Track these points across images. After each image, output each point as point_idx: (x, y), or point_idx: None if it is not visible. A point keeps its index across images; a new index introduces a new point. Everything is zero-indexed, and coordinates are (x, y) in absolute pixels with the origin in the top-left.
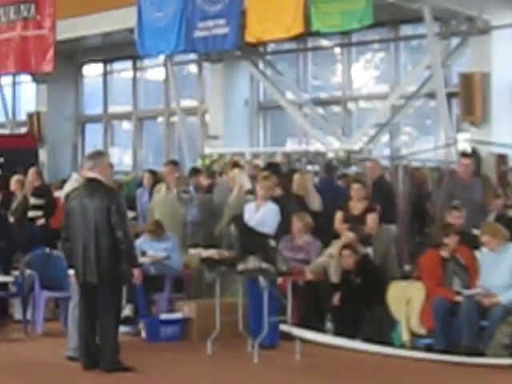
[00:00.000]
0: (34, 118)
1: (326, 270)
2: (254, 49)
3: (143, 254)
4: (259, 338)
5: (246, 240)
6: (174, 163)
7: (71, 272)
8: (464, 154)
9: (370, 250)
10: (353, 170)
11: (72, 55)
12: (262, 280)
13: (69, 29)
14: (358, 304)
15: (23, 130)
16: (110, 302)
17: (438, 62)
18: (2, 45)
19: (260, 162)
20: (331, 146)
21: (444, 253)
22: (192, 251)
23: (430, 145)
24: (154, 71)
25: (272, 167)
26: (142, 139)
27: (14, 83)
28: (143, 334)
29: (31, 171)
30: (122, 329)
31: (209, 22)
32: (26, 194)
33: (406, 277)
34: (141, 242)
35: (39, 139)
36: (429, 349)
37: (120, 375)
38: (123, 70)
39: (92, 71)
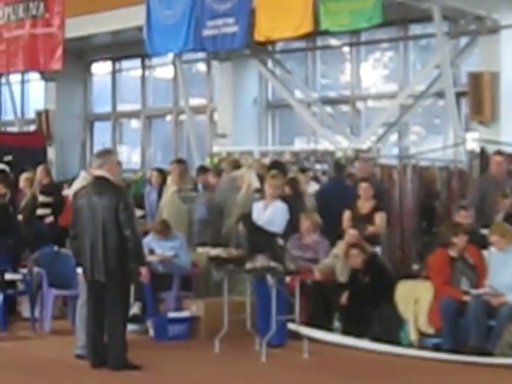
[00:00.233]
0: (43, 115)
1: (333, 271)
2: (262, 47)
3: (151, 252)
4: (267, 336)
5: (255, 239)
6: (178, 161)
7: (79, 270)
8: (497, 152)
9: (378, 250)
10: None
11: (81, 53)
12: (270, 279)
13: (78, 27)
14: (365, 303)
15: (32, 127)
16: (117, 300)
17: (447, 62)
18: (10, 43)
19: (265, 161)
20: (340, 145)
21: (452, 252)
22: (200, 250)
23: (439, 144)
24: (163, 69)
25: (277, 166)
26: (151, 137)
27: (23, 81)
28: (151, 332)
29: (40, 169)
30: (130, 327)
31: (218, 21)
32: (35, 192)
33: (414, 276)
34: (149, 241)
35: (48, 137)
36: (437, 348)
37: (128, 373)
38: (132, 69)
39: (101, 69)
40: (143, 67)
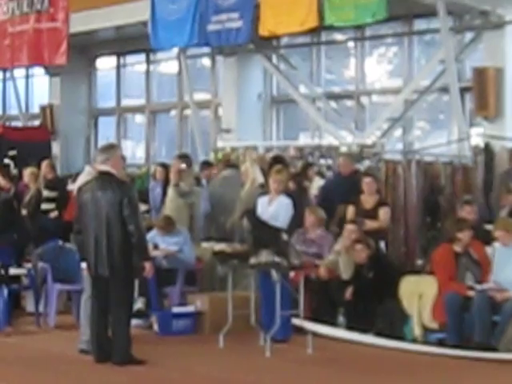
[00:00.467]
0: (47, 110)
1: (337, 267)
2: (267, 42)
3: (155, 247)
4: (271, 331)
5: (259, 234)
6: (179, 157)
7: (84, 265)
8: None
9: (382, 245)
10: (366, 164)
11: (85, 48)
12: (274, 274)
13: (82, 22)
14: (370, 298)
15: (36, 122)
16: (122, 295)
17: (452, 57)
18: (15, 37)
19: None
20: (344, 140)
21: (457, 247)
22: (204, 245)
23: (443, 139)
24: (168, 64)
25: (278, 161)
26: (155, 132)
27: (27, 76)
28: (155, 327)
29: (45, 164)
30: (134, 322)
31: (222, 16)
32: (40, 187)
33: (418, 271)
34: (153, 236)
35: (52, 132)
36: (441, 343)
37: (132, 368)
38: (136, 63)
39: (105, 64)
40: (148, 62)
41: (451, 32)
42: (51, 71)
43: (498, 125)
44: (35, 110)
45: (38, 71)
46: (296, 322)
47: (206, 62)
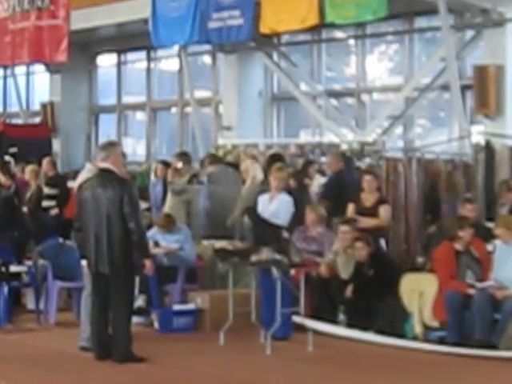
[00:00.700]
0: (48, 107)
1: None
2: (268, 40)
3: (156, 244)
4: (272, 329)
5: (260, 231)
6: (177, 155)
7: (84, 262)
8: None
9: (382, 242)
10: (366, 161)
11: (86, 45)
12: (274, 271)
13: (83, 19)
14: (370, 296)
15: (37, 119)
16: (122, 292)
17: (453, 54)
18: (16, 34)
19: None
20: (345, 137)
21: (458, 246)
22: (205, 242)
23: (444, 137)
24: (168, 62)
25: (276, 159)
26: (156, 130)
27: (28, 73)
28: (156, 324)
29: (45, 161)
30: (135, 319)
31: (223, 13)
32: (40, 184)
33: (418, 269)
34: (153, 233)
35: (53, 129)
36: (441, 341)
37: (132, 366)
38: (137, 61)
39: (106, 61)
40: (148, 59)
41: (452, 30)
42: (52, 68)
43: (499, 122)
44: (36, 107)
45: (39, 68)
46: (296, 319)
47: (207, 59)
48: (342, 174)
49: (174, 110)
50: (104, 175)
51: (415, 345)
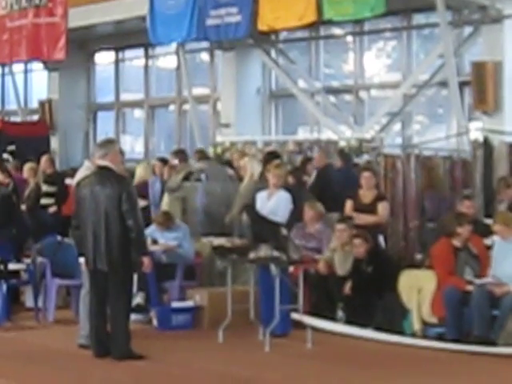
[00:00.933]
0: (46, 105)
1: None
2: (266, 37)
3: (154, 242)
4: (270, 326)
5: (258, 228)
6: (174, 152)
7: (81, 260)
8: None
9: (381, 239)
10: (365, 158)
11: (84, 43)
12: (273, 268)
13: (81, 16)
14: (369, 293)
15: (35, 117)
16: (120, 290)
17: (451, 51)
18: (14, 32)
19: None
20: (343, 134)
21: (456, 242)
22: (204, 239)
23: (442, 134)
24: (166, 59)
25: (273, 156)
26: (154, 127)
27: (26, 71)
28: (155, 322)
29: (44, 159)
30: (134, 317)
31: (221, 10)
32: (39, 182)
33: (417, 266)
34: (152, 231)
35: (51, 127)
36: (440, 338)
37: (131, 363)
38: (135, 58)
39: (104, 59)
40: (146, 57)
41: (450, 26)
42: (50, 66)
43: (497, 119)
44: (34, 104)
45: (37, 66)
46: (295, 316)
47: (205, 56)
48: (327, 170)
49: (172, 107)
50: (102, 173)
51: (414, 341)
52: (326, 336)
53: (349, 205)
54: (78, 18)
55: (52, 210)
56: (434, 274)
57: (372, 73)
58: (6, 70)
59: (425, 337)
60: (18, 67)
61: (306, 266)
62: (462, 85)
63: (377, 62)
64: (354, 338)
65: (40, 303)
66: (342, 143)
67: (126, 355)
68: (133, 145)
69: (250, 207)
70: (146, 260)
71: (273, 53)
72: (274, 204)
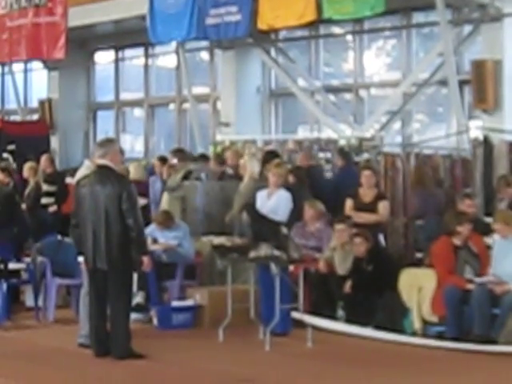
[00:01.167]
0: (46, 104)
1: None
2: (265, 36)
3: (154, 241)
4: (271, 325)
5: (258, 227)
6: (173, 151)
7: (81, 259)
8: None
9: (381, 238)
10: (365, 157)
11: (84, 42)
12: (273, 267)
13: (80, 16)
14: (369, 292)
15: (35, 116)
16: (120, 289)
17: (450, 50)
18: (13, 32)
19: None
20: (343, 133)
21: (456, 241)
22: (204, 239)
23: (442, 132)
24: (166, 58)
25: (272, 156)
26: (154, 126)
27: (26, 70)
28: (155, 321)
29: (44, 158)
30: (134, 316)
31: (221, 9)
32: (39, 181)
33: (417, 264)
34: (152, 230)
35: (51, 126)
36: (440, 336)
37: (131, 362)
38: (135, 57)
39: (104, 58)
40: (146, 56)
41: (450, 25)
42: (50, 65)
43: (497, 117)
44: (34, 104)
45: (37, 65)
46: (295, 315)
47: (205, 55)
48: (310, 170)
49: (171, 106)
50: (102, 172)
51: (414, 340)
52: (327, 335)
53: (349, 204)
54: (78, 17)
55: (52, 209)
56: (434, 272)
57: (372, 71)
58: (6, 69)
59: (425, 335)
60: (17, 66)
61: (306, 264)
62: (462, 83)
63: (376, 60)
64: (355, 336)
65: (40, 302)
66: (342, 142)
67: (126, 354)
68: (133, 144)
69: (250, 206)
70: (145, 259)
71: (272, 52)
72: (275, 203)
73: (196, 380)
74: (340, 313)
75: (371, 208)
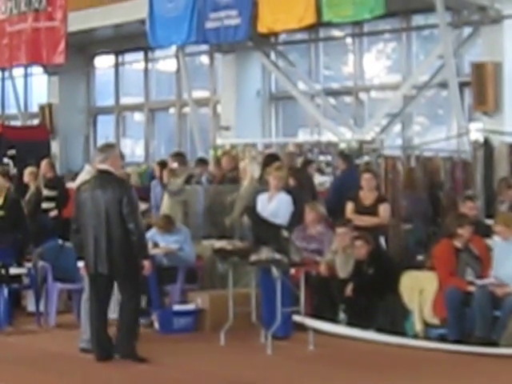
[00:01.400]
0: (46, 109)
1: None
2: (265, 39)
3: (155, 245)
4: (272, 328)
5: (259, 231)
6: (173, 155)
7: (81, 264)
8: None
9: (382, 240)
10: (364, 159)
11: (83, 47)
12: (274, 271)
13: (80, 20)
14: (370, 294)
15: (35, 121)
16: (130, 293)
17: (450, 52)
18: (13, 36)
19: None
20: (343, 136)
21: (457, 243)
22: (205, 242)
23: (442, 134)
24: (166, 62)
25: (272, 159)
26: (154, 130)
27: (26, 75)
28: (156, 325)
29: (44, 163)
30: None
31: (220, 13)
32: (39, 186)
33: (418, 267)
34: (152, 234)
35: (51, 131)
36: (442, 339)
37: (133, 367)
38: (135, 62)
39: (104, 63)
40: (146, 60)
41: (449, 27)
42: (50, 70)
43: (497, 119)
44: (34, 109)
45: (37, 70)
46: (297, 318)
47: (205, 59)
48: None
49: (172, 110)
50: (103, 177)
51: (416, 343)
52: (328, 338)
53: (350, 207)
54: (78, 21)
55: (53, 214)
56: (435, 275)
57: (372, 74)
58: (6, 74)
59: (426, 338)
60: (17, 71)
61: (307, 268)
62: (462, 85)
63: (376, 63)
64: (356, 339)
65: (41, 307)
66: (343, 145)
67: (130, 354)
68: (133, 148)
69: (250, 209)
70: (146, 263)
71: (272, 55)
72: (275, 206)
73: None
74: (341, 316)
75: (372, 211)
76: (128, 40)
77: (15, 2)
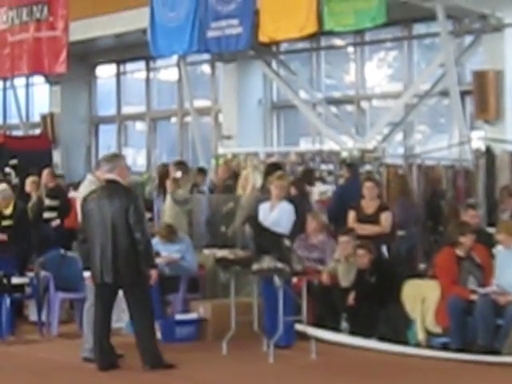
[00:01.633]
0: (48, 119)
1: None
2: (267, 48)
3: (157, 254)
4: (274, 337)
5: (261, 240)
6: (175, 164)
7: (87, 274)
8: None
9: (384, 249)
10: (367, 168)
11: (85, 56)
12: (276, 280)
13: (82, 30)
14: (373, 303)
15: (37, 131)
16: (141, 305)
17: (452, 60)
18: (15, 46)
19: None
20: (345, 145)
21: (459, 251)
22: (207, 251)
23: (444, 143)
24: (167, 71)
25: (274, 168)
26: (156, 140)
27: (28, 84)
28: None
29: (45, 172)
30: None
31: (222, 22)
32: (41, 196)
33: (420, 275)
34: (155, 243)
35: (53, 140)
36: (444, 347)
37: (135, 376)
38: (136, 71)
39: (105, 72)
40: (148, 69)
41: (451, 36)
42: (51, 80)
43: (499, 128)
44: (36, 118)
45: (38, 80)
46: (299, 327)
47: (206, 68)
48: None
49: (173, 119)
50: (110, 186)
51: (418, 351)
52: (330, 347)
53: (352, 215)
54: (79, 31)
55: (55, 223)
56: (437, 283)
57: (373, 83)
58: (8, 84)
59: (429, 347)
60: (19, 81)
61: (309, 277)
62: (464, 94)
63: (378, 72)
64: (358, 348)
65: (43, 317)
66: (344, 154)
67: (158, 365)
68: (135, 157)
69: (252, 219)
70: (153, 272)
71: (274, 64)
72: (277, 215)
73: None
74: (343, 325)
75: (374, 219)
76: (129, 49)
77: (17, 11)
